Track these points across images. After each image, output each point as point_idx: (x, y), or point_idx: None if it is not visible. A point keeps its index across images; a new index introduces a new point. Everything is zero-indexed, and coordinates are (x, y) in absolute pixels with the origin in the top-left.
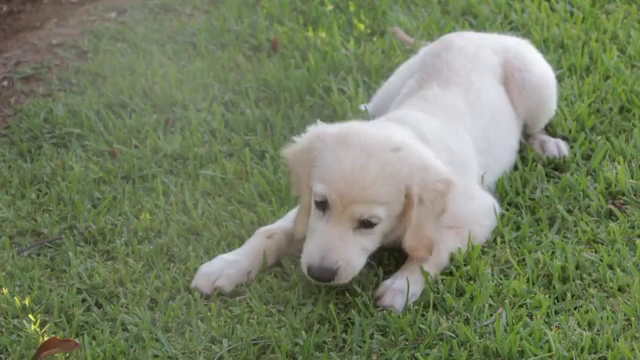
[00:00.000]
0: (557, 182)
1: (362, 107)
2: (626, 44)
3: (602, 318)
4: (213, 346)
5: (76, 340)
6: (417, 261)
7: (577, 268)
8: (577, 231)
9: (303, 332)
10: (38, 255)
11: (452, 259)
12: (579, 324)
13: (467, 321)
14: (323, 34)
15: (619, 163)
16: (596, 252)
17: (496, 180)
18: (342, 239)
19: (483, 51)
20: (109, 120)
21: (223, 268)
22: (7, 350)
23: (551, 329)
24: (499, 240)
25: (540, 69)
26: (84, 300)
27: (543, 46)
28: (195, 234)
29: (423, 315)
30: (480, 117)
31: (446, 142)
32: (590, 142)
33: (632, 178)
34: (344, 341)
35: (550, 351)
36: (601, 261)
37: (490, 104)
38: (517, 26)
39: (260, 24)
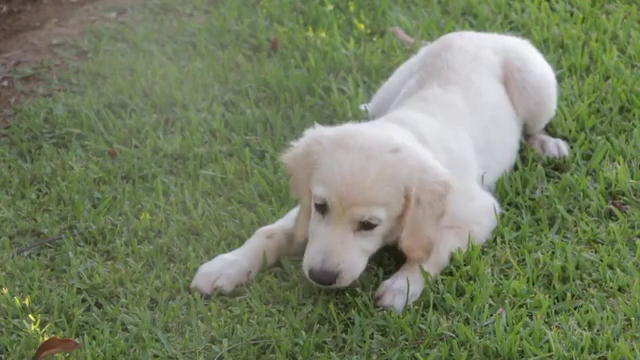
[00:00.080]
0: (557, 182)
1: (362, 107)
2: (626, 44)
3: (602, 318)
4: (213, 346)
5: (76, 340)
6: (415, 261)
7: (577, 268)
8: (577, 231)
9: (303, 332)
10: (38, 255)
11: (452, 259)
12: (579, 324)
13: (467, 321)
14: (323, 34)
15: (619, 163)
16: (596, 252)
17: (496, 180)
18: (343, 242)
19: (483, 51)
20: (109, 120)
21: (223, 268)
22: (7, 350)
23: (551, 329)
24: (499, 240)
25: (540, 69)
26: (84, 300)
27: (543, 46)
28: (195, 234)
29: (423, 315)
30: (480, 117)
31: (445, 142)
32: (590, 142)
33: (632, 178)
34: (344, 341)
35: (550, 351)
36: (601, 261)
37: (490, 104)
38: (517, 26)
39: (260, 24)
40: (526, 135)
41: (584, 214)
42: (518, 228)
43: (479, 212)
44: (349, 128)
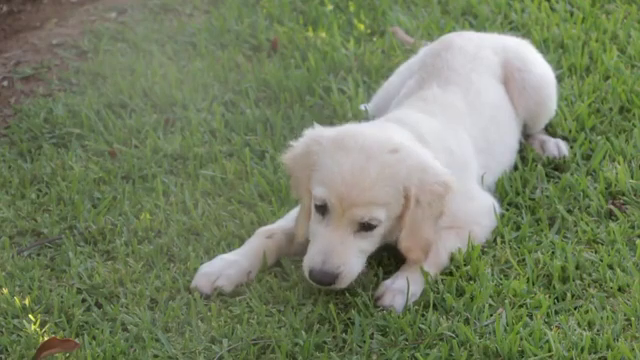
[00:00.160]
0: (557, 182)
1: (362, 107)
2: (626, 44)
3: (602, 318)
4: (213, 346)
5: (76, 340)
6: (414, 262)
7: (577, 268)
8: (577, 231)
9: (303, 332)
10: (38, 255)
11: (452, 259)
12: (579, 324)
13: (467, 321)
14: (323, 34)
15: (619, 163)
16: (596, 252)
17: (496, 180)
18: (342, 243)
19: (483, 51)
20: (109, 120)
21: (223, 268)
22: (7, 350)
23: (551, 329)
24: (499, 240)
25: (540, 69)
26: (84, 300)
27: (543, 46)
28: (195, 234)
29: (423, 315)
30: (480, 117)
31: (445, 142)
32: (590, 142)
33: (632, 178)
34: (344, 341)
35: (550, 351)
36: (601, 261)
37: (490, 104)
38: (517, 26)
39: (260, 24)
40: (526, 135)
41: (584, 214)
42: (518, 228)
43: (479, 212)
44: (349, 128)
